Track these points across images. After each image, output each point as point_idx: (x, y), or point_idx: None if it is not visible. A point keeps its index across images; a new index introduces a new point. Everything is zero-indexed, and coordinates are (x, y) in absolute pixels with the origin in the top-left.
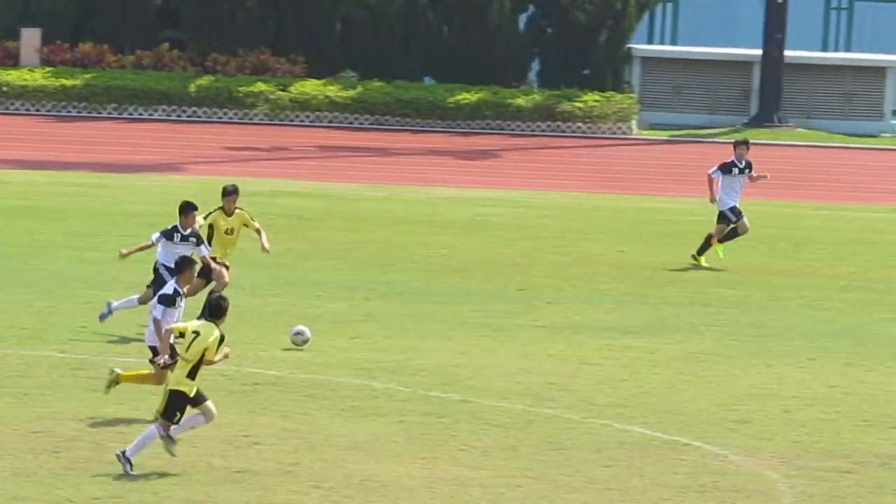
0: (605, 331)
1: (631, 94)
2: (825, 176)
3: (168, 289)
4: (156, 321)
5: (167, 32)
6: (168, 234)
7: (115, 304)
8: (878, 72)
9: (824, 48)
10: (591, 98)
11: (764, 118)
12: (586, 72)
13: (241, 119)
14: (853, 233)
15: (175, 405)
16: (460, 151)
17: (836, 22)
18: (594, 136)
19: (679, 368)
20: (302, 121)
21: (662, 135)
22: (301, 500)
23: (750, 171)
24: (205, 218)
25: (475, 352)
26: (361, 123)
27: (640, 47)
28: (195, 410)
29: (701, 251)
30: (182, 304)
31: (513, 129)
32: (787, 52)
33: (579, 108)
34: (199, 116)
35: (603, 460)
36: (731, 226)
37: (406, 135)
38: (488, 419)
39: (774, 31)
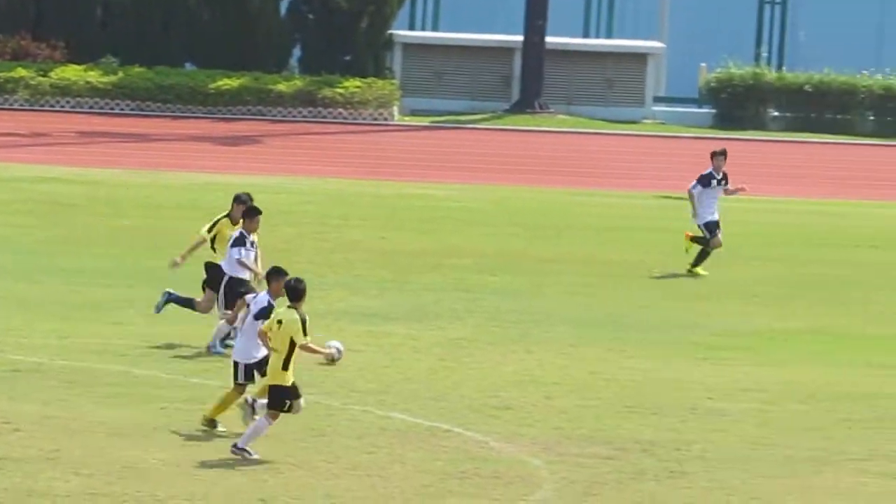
0: (366, 317)
1: (392, 81)
2: (585, 162)
3: (262, 301)
4: (260, 331)
5: None
6: (241, 241)
7: (213, 342)
8: (639, 58)
9: (585, 35)
10: (353, 84)
11: (525, 104)
12: (348, 58)
13: (0, 105)
14: (614, 219)
15: (277, 398)
16: (222, 137)
17: (597, 9)
18: (355, 122)
19: (440, 355)
20: (63, 106)
21: (424, 121)
22: (62, 487)
23: (726, 184)
24: (209, 230)
25: None
26: (122, 109)
27: (401, 33)
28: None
29: (696, 263)
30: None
31: (274, 115)
32: (548, 39)
33: (340, 94)
34: None
35: (364, 447)
36: (702, 245)
37: (167, 120)
38: None
39: (535, 18)
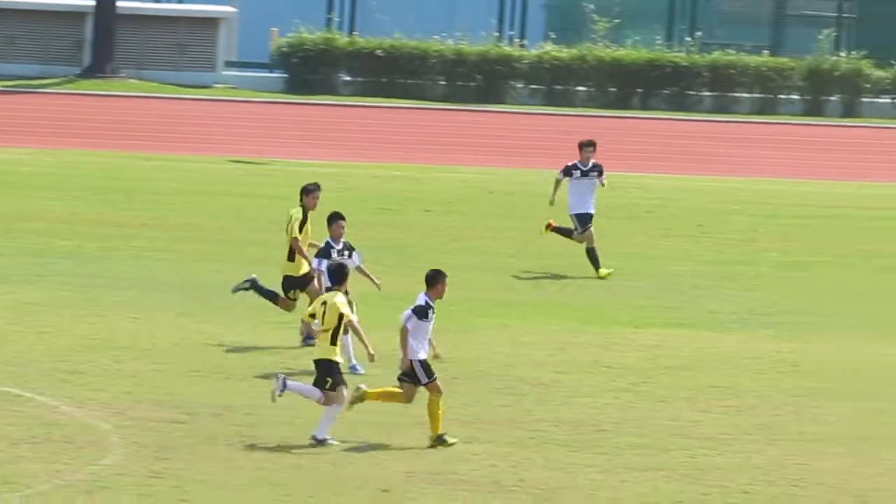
0: None
1: None
2: (157, 126)
3: (420, 300)
4: (403, 329)
5: None
6: (325, 254)
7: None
8: (211, 23)
9: None
10: None
11: (97, 69)
12: None
13: None
14: (186, 183)
15: (325, 374)
16: None
17: None
18: None
19: (11, 319)
20: None
21: None
22: None
23: (600, 175)
24: (301, 231)
25: None
26: None
27: None
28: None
29: (595, 266)
30: (433, 316)
31: None
32: (120, 3)
33: None
34: None
35: None
36: (576, 230)
37: None
38: None
39: None
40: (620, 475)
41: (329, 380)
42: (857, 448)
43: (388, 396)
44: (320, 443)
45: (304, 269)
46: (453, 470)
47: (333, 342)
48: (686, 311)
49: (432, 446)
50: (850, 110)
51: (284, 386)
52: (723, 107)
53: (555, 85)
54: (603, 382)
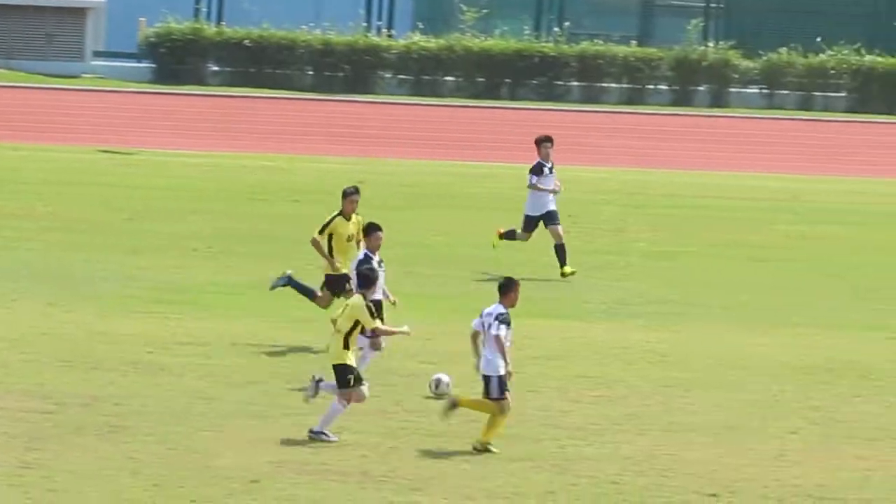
0: None
1: None
2: (25, 116)
3: (500, 308)
4: (497, 338)
5: None
6: (366, 263)
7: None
8: (79, 13)
9: None
10: None
11: None
12: None
13: None
14: (53, 173)
15: (343, 376)
16: None
17: None
18: None
19: None
20: None
21: None
22: None
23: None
24: (320, 232)
25: None
26: None
27: None
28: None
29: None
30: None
31: None
32: None
33: None
34: None
35: None
36: (516, 230)
37: None
38: None
39: None
40: (491, 465)
41: (352, 378)
42: (724, 438)
43: (479, 406)
44: (317, 435)
45: (344, 268)
46: (323, 460)
47: (346, 346)
48: (555, 300)
49: (476, 450)
50: (717, 100)
51: (318, 388)
52: (591, 97)
53: (423, 75)
54: (473, 373)
